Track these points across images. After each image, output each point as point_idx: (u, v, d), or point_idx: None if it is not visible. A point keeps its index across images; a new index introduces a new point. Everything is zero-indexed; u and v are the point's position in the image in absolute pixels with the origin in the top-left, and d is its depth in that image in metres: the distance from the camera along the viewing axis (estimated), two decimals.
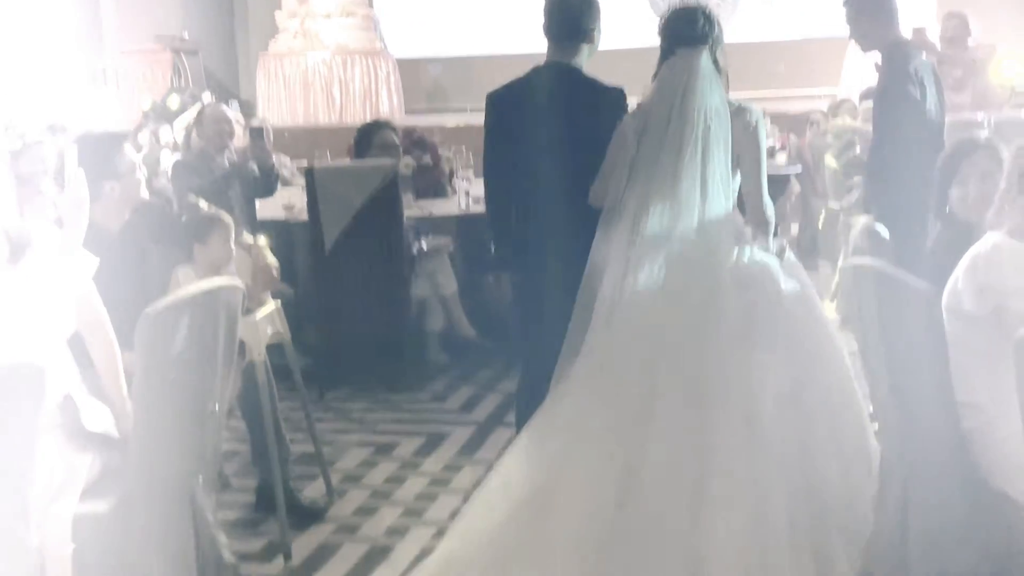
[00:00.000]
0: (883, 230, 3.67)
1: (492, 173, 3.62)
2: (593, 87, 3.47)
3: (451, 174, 6.49)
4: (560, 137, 3.36)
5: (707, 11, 3.24)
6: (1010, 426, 2.37)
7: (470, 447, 4.59)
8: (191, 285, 3.02)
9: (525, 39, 9.86)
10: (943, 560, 2.54)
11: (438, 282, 5.70)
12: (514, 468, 3.05)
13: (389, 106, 10.31)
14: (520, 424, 3.35)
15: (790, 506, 2.79)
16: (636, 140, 3.17)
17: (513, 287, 3.62)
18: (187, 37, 9.96)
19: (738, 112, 3.16)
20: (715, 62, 3.18)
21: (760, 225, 3.13)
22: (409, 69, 10.60)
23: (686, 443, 2.84)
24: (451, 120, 9.02)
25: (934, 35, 6.45)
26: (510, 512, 2.94)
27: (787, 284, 3.06)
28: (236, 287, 2.99)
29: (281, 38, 10.58)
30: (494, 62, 10.40)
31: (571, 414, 3.01)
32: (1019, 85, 7.85)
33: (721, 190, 3.10)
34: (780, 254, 3.13)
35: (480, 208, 5.94)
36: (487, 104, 3.61)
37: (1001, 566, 2.44)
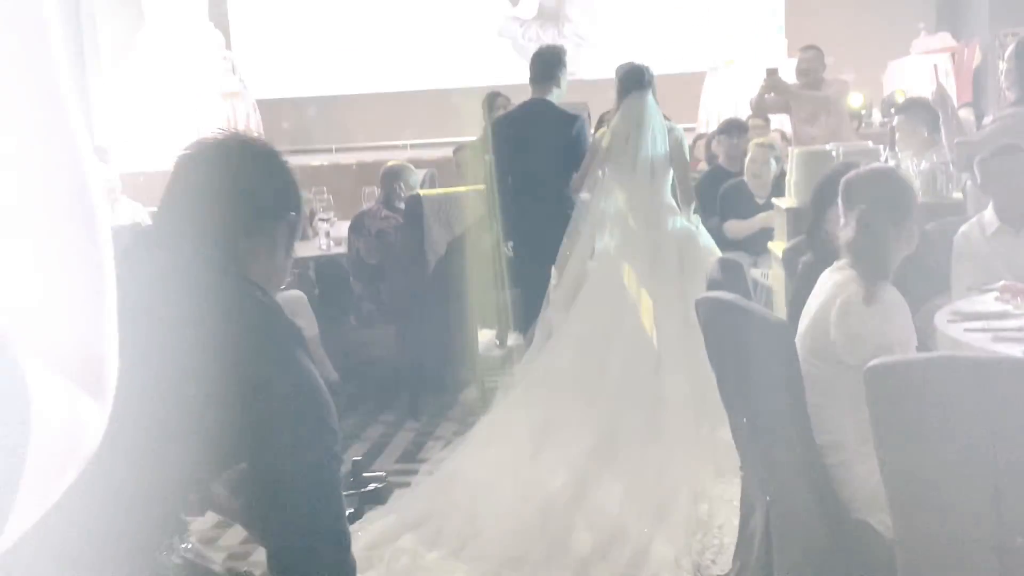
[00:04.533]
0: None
1: (499, 174, 5.17)
2: (561, 114, 5.15)
3: (311, 215, 6.32)
4: (540, 147, 5.02)
5: (647, 67, 4.81)
6: (871, 461, 2.35)
7: None
8: None
9: (385, 78, 9.90)
10: None
11: (298, 325, 5.48)
12: (533, 359, 4.63)
13: None
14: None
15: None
16: (606, 150, 4.78)
17: (513, 252, 5.16)
18: None
19: (670, 130, 4.78)
20: (653, 96, 4.78)
21: (686, 202, 4.80)
22: (270, 109, 10.35)
23: (646, 336, 4.45)
24: (315, 160, 8.86)
25: (788, 73, 6.56)
26: (534, 377, 4.53)
27: (701, 241, 4.70)
28: None
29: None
30: (358, 101, 10.32)
31: (566, 327, 4.60)
32: (864, 115, 8.16)
33: (662, 180, 4.71)
34: (696, 224, 4.75)
35: (340, 250, 5.78)
36: (493, 126, 5.36)
37: None
